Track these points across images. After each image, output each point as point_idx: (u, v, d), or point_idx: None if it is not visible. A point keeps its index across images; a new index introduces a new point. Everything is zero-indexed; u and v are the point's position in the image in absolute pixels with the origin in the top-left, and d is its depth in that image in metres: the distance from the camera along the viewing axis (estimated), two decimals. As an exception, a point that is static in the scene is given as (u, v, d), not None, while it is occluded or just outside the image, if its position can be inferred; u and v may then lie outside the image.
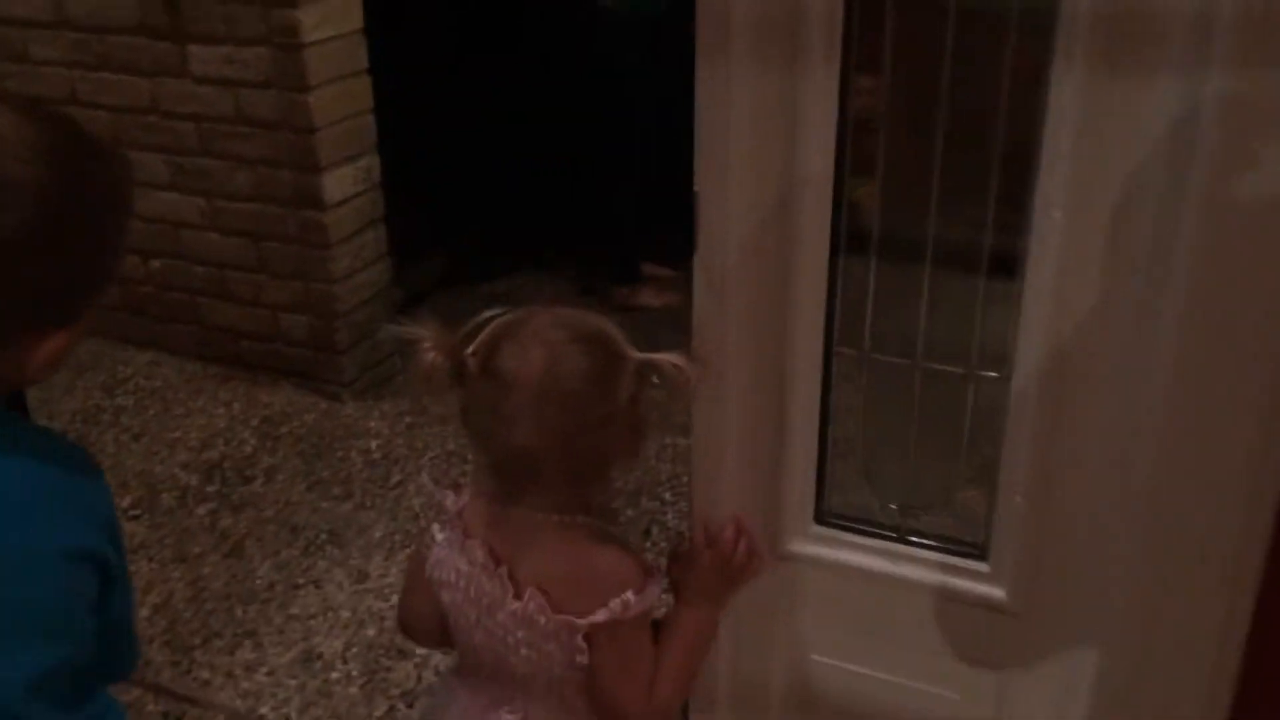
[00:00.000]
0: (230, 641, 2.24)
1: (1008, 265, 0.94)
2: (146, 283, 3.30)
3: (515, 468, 1.07)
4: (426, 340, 1.03)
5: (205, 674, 2.17)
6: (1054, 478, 0.99)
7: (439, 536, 1.15)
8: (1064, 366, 0.95)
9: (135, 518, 2.63)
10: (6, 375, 0.86)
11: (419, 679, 2.14)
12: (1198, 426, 0.90)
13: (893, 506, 1.12)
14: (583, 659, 1.07)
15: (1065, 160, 0.88)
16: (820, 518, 1.14)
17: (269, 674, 2.15)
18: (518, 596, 1.08)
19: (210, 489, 2.72)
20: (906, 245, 1.03)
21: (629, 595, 1.05)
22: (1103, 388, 0.93)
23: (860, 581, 1.12)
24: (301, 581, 2.41)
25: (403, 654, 2.19)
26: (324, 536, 2.55)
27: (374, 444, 2.93)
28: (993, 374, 1.01)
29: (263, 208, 3.04)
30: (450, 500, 1.15)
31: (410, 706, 2.07)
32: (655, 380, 1.04)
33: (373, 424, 3.01)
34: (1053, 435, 0.98)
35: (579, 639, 1.07)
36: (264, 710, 2.09)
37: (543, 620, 1.07)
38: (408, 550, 2.47)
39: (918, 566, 1.10)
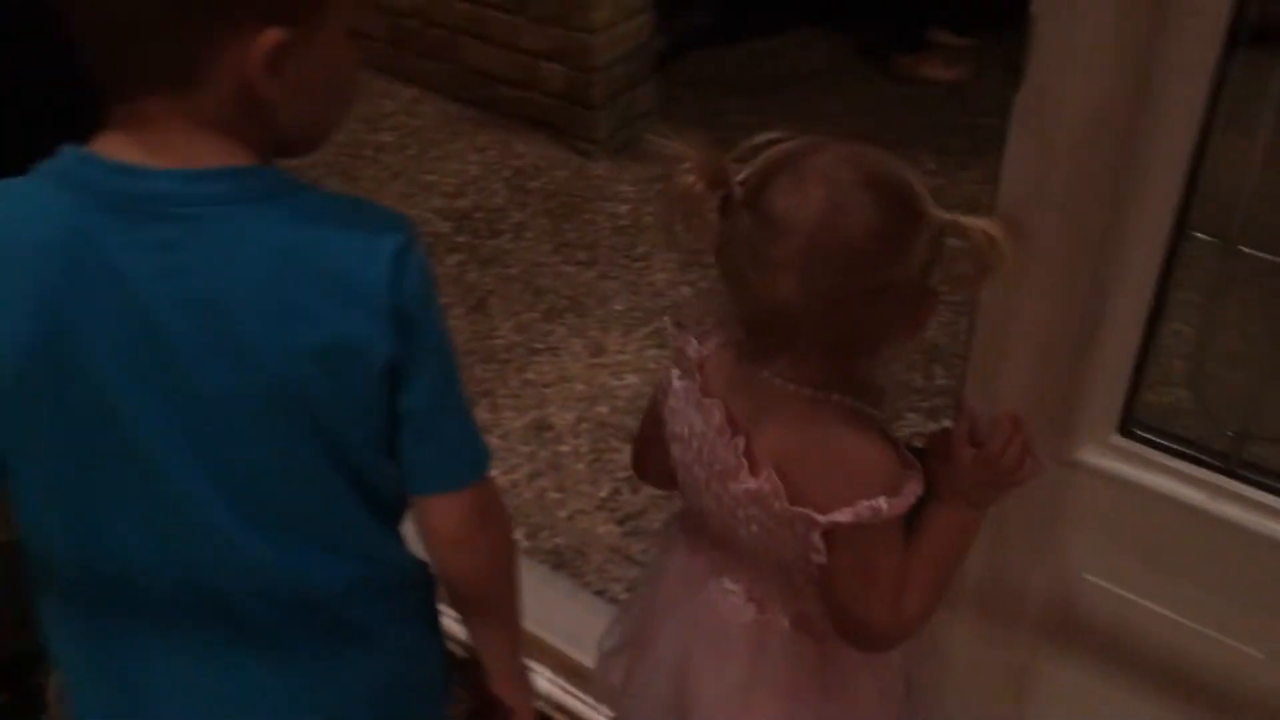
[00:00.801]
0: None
1: None
2: (411, 15, 3.22)
3: (770, 326, 0.90)
4: (688, 159, 0.85)
5: (491, 385, 2.21)
6: None
7: (676, 384, 1.01)
8: None
9: (388, 259, 2.65)
10: (235, 91, 0.75)
11: (646, 464, 2.11)
12: None
13: (1229, 433, 0.90)
14: (820, 558, 0.93)
15: None
16: (1126, 428, 0.94)
17: (502, 437, 2.16)
18: (753, 473, 0.94)
19: (460, 239, 2.70)
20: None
21: (880, 501, 0.90)
22: None
23: (1165, 510, 0.93)
24: (540, 347, 2.39)
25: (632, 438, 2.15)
26: (565, 303, 2.50)
27: (623, 208, 2.82)
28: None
29: (532, -54, 2.86)
30: (692, 348, 1.00)
31: (635, 493, 2.04)
32: (959, 246, 0.86)
33: (623, 187, 2.90)
34: None
35: (816, 536, 0.92)
36: (493, 473, 2.11)
37: (777, 506, 0.94)
38: (646, 329, 2.40)
39: (1245, 507, 0.90)
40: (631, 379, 2.29)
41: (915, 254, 0.86)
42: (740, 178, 0.87)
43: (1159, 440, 0.94)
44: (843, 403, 0.92)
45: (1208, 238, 0.85)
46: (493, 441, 2.14)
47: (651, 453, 1.09)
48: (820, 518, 0.91)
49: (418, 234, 0.82)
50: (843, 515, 0.90)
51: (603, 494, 2.05)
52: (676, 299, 2.47)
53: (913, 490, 0.93)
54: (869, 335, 0.91)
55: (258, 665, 0.89)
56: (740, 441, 0.95)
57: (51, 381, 0.79)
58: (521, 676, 1.04)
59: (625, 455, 2.10)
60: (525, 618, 0.99)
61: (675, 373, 1.02)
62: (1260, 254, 0.83)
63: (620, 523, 1.99)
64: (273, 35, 0.73)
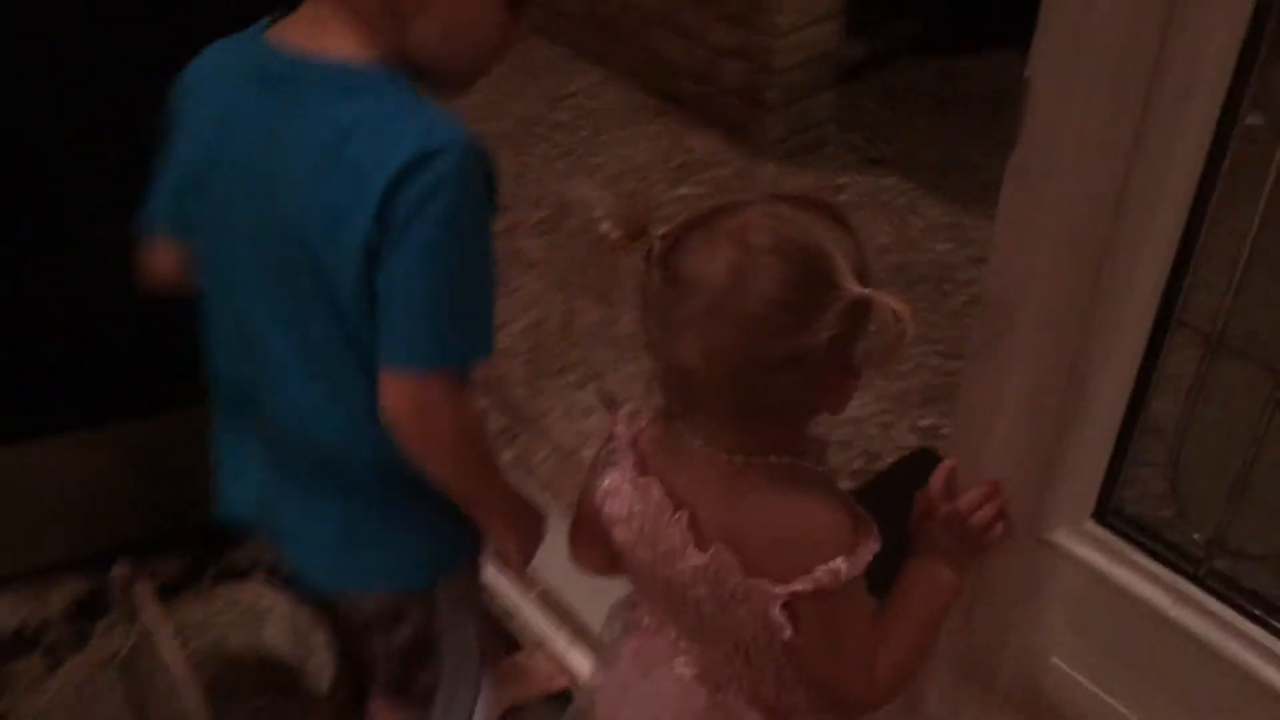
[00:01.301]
0: (579, 379, 2.33)
1: None
2: (608, 0, 3.30)
3: (679, 387, 0.87)
4: (601, 208, 0.84)
5: (548, 403, 2.28)
6: None
7: (611, 466, 0.97)
8: None
9: (542, 233, 2.75)
10: (384, 22, 0.90)
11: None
12: None
13: (1196, 537, 0.86)
14: (785, 634, 0.88)
15: None
16: (1101, 516, 0.91)
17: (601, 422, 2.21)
18: (699, 548, 0.90)
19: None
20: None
21: (839, 563, 0.85)
22: None
23: (1129, 606, 0.89)
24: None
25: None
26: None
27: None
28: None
29: (728, -61, 2.89)
30: (624, 425, 0.96)
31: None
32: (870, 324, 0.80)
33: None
34: None
35: (776, 609, 0.88)
36: (587, 453, 2.17)
37: (731, 582, 0.89)
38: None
39: (1211, 622, 0.85)
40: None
41: (822, 326, 0.79)
42: (660, 232, 0.83)
43: (1131, 534, 0.90)
44: (779, 464, 0.88)
45: (1194, 329, 0.82)
46: (591, 423, 2.21)
47: (584, 535, 1.03)
48: (778, 589, 0.87)
49: (464, 159, 0.89)
50: (802, 584, 0.86)
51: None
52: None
53: (869, 547, 0.87)
54: (783, 404, 0.86)
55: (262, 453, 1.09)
56: (683, 517, 0.91)
57: (210, 176, 1.00)
58: (503, 530, 1.09)
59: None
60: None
61: (605, 454, 0.98)
62: (1244, 358, 0.79)
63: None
64: None
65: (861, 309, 0.79)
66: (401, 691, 1.24)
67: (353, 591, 1.17)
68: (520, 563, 1.13)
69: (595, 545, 1.02)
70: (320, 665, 1.56)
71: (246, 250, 0.99)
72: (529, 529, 1.12)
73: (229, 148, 0.97)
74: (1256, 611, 0.84)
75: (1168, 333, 0.81)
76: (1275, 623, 0.82)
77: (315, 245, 0.93)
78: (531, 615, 1.79)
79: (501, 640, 1.78)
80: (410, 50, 0.91)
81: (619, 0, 3.27)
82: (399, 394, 0.94)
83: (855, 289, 0.78)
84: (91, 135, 1.54)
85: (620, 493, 0.95)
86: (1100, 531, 0.91)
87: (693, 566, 0.90)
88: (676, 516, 0.91)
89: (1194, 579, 0.87)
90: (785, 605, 0.88)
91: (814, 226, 0.81)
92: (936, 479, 0.99)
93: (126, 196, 1.34)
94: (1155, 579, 0.88)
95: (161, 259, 1.09)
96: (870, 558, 0.88)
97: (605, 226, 0.83)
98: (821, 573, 0.85)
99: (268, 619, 1.62)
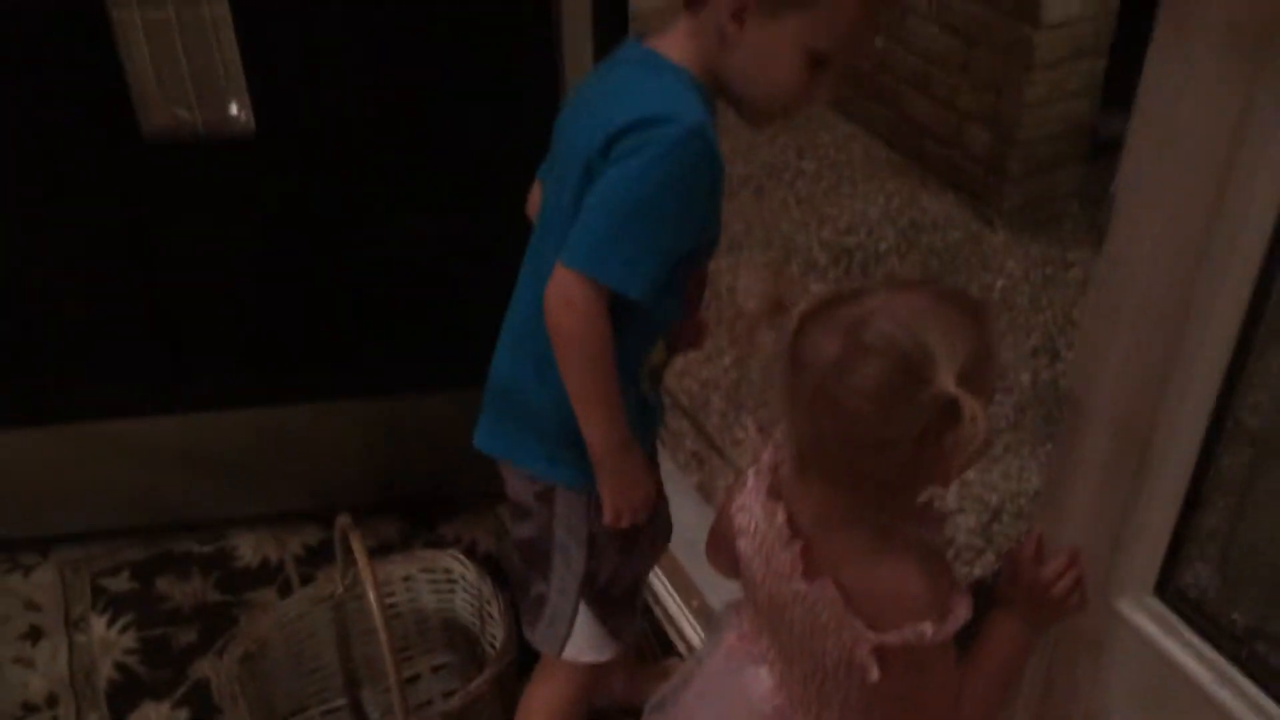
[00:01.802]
0: (772, 419, 2.46)
1: None
2: (869, 58, 3.42)
3: (797, 451, 0.99)
4: (753, 288, 0.99)
5: (741, 434, 2.43)
6: None
7: (750, 483, 1.10)
8: None
9: (765, 275, 2.91)
10: (713, 33, 1.14)
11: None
12: None
13: (1235, 617, 0.92)
14: (873, 676, 0.98)
15: None
16: (1162, 592, 0.98)
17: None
18: (806, 578, 1.01)
19: (832, 274, 2.89)
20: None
21: (925, 626, 0.95)
22: None
23: (1177, 679, 0.96)
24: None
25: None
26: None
27: (999, 281, 2.87)
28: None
29: (984, 11, 2.96)
30: (769, 452, 1.08)
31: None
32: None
33: (1010, 262, 2.94)
34: None
35: (864, 652, 0.98)
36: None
37: (826, 614, 1.00)
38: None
39: (1236, 696, 0.92)
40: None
41: (913, 419, 0.87)
42: (798, 311, 0.93)
43: (1185, 612, 0.97)
44: (889, 525, 0.98)
45: (1246, 429, 0.88)
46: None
47: (718, 537, 1.18)
48: (871, 635, 0.97)
49: (683, 133, 1.10)
50: (891, 637, 0.96)
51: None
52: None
53: (959, 616, 0.97)
54: (884, 480, 0.95)
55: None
56: (798, 546, 1.02)
57: (560, 134, 1.29)
58: (603, 471, 1.27)
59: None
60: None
61: (751, 471, 1.10)
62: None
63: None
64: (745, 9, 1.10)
65: (955, 407, 0.85)
66: (523, 593, 1.44)
67: (502, 460, 1.40)
68: (609, 510, 1.29)
69: (724, 549, 1.18)
70: (494, 632, 1.77)
71: (545, 200, 1.29)
72: (627, 481, 1.28)
73: (574, 109, 1.25)
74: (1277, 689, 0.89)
75: (1221, 435, 0.88)
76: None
77: (566, 189, 1.18)
78: (686, 626, 1.93)
79: (654, 640, 1.95)
80: (723, 74, 1.15)
81: (876, 61, 3.39)
82: (555, 282, 1.17)
83: (948, 390, 0.85)
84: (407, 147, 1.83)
85: (750, 509, 1.09)
86: (1158, 606, 0.98)
87: (795, 591, 1.03)
88: (793, 543, 1.03)
89: (1233, 660, 0.92)
90: (875, 651, 0.98)
91: (928, 322, 0.89)
92: (1027, 544, 1.08)
93: (430, 199, 1.64)
94: (1199, 656, 0.94)
95: (533, 199, 1.39)
96: (959, 625, 0.98)
97: (750, 303, 0.97)
98: (909, 631, 0.96)
99: (458, 587, 1.85)
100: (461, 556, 1.83)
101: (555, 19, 1.77)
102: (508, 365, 1.38)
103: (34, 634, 1.98)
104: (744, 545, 1.11)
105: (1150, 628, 0.99)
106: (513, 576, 1.45)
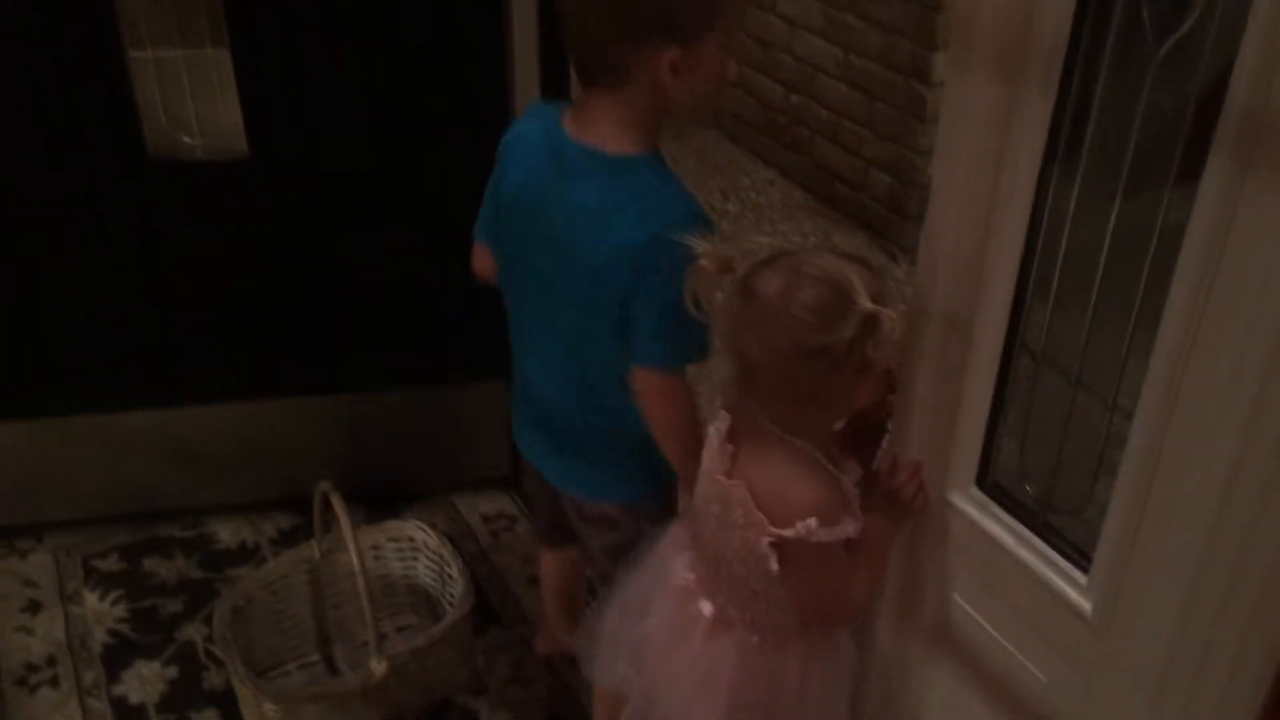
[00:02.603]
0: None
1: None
2: (785, 112, 3.79)
3: (742, 374, 1.23)
4: (705, 253, 1.22)
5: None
6: (1150, 514, 1.05)
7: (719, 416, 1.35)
8: (1177, 411, 1.00)
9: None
10: (650, 98, 1.29)
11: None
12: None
13: (1028, 489, 1.23)
14: (772, 566, 1.23)
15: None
16: (981, 482, 1.28)
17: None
18: (728, 475, 1.26)
19: (753, 300, 3.21)
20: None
21: (812, 521, 1.20)
22: (1205, 437, 0.98)
23: (994, 550, 1.25)
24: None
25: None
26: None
27: (901, 307, 3.20)
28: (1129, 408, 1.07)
29: (883, 71, 3.33)
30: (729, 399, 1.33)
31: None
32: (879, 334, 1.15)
33: (909, 289, 3.27)
34: (1154, 478, 1.04)
35: (764, 543, 1.23)
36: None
37: (737, 511, 1.24)
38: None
39: (1037, 557, 1.21)
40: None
41: (843, 328, 1.14)
42: (741, 270, 1.20)
43: (999, 495, 1.27)
44: (804, 447, 1.25)
45: (1028, 348, 1.20)
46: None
47: None
48: (771, 529, 1.22)
49: (693, 228, 1.25)
50: (786, 532, 1.21)
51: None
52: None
53: (846, 529, 1.24)
54: (812, 391, 1.21)
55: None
56: (729, 449, 1.29)
57: (513, 212, 1.45)
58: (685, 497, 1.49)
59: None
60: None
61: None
62: (1055, 367, 1.17)
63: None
64: (674, 52, 1.24)
65: (872, 320, 1.15)
66: (605, 581, 1.66)
67: (580, 497, 1.63)
68: None
69: None
70: (454, 591, 2.02)
71: (530, 272, 1.47)
72: None
73: (529, 198, 1.41)
74: (1070, 553, 1.19)
75: (1010, 355, 1.20)
76: (1082, 561, 1.17)
77: (581, 280, 1.37)
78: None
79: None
80: (672, 110, 1.32)
81: (793, 113, 3.75)
82: (646, 383, 1.40)
83: (868, 306, 1.15)
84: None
85: (710, 443, 1.36)
86: (979, 495, 1.28)
87: (718, 487, 1.29)
88: (725, 446, 1.30)
89: (1032, 529, 1.23)
90: (773, 545, 1.25)
91: (846, 267, 1.18)
92: (884, 460, 1.38)
93: (397, 216, 1.91)
94: (1009, 529, 1.24)
95: (481, 260, 1.60)
96: (845, 536, 1.26)
97: (705, 263, 1.23)
98: (801, 528, 1.22)
99: (420, 553, 2.11)
100: (424, 525, 2.08)
101: (508, 70, 2.07)
102: (573, 442, 1.58)
103: (33, 607, 2.19)
104: (704, 449, 1.38)
105: (974, 512, 1.29)
106: (599, 578, 1.69)
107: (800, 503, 1.24)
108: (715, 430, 1.35)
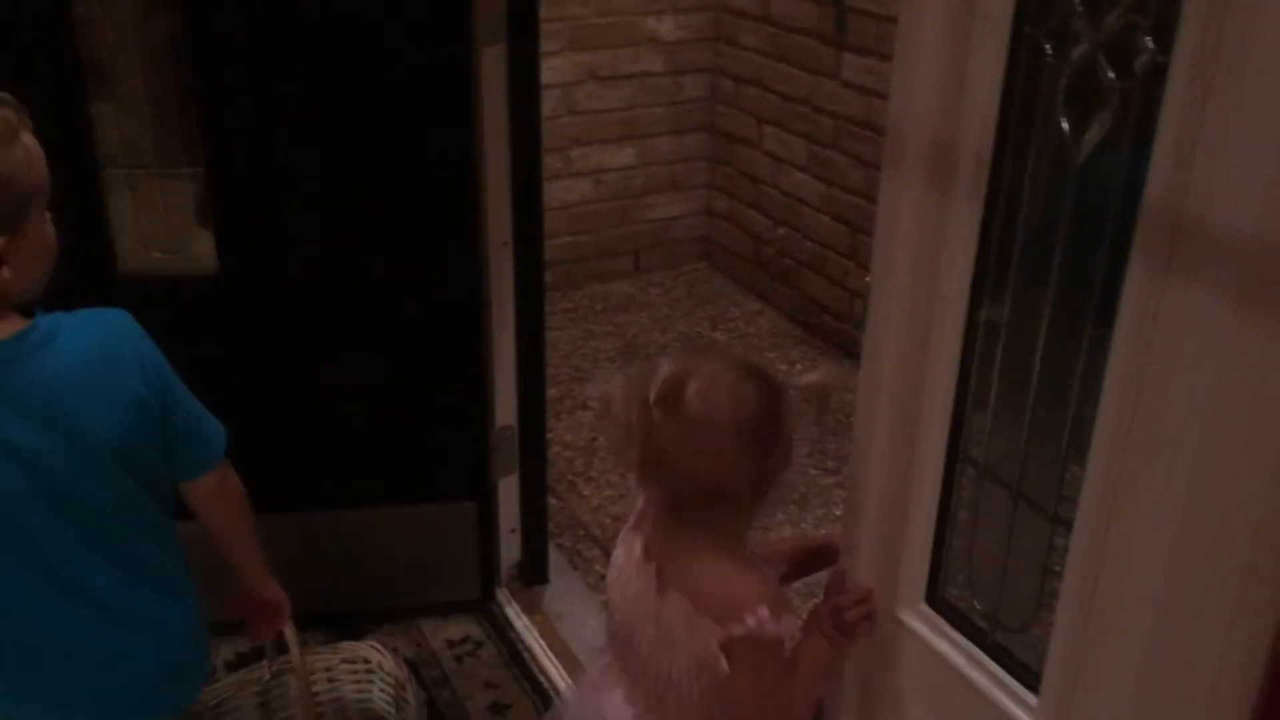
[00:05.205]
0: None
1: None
2: (772, 245, 3.84)
3: (667, 491, 1.23)
4: (617, 396, 1.22)
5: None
6: (1094, 631, 1.01)
7: (625, 531, 1.34)
8: (1114, 521, 0.97)
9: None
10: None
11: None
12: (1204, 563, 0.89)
13: (977, 605, 1.19)
14: (723, 665, 1.20)
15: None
16: (931, 599, 1.24)
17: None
18: (660, 593, 1.23)
19: (736, 427, 3.19)
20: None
21: (764, 611, 1.18)
22: (1141, 546, 0.94)
23: (945, 670, 1.20)
24: (754, 525, 2.78)
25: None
26: (795, 496, 2.89)
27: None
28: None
29: (866, 204, 3.38)
30: (640, 504, 1.32)
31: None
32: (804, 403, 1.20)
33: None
34: (1095, 592, 1.00)
35: (714, 645, 1.20)
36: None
37: (677, 626, 1.22)
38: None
39: (988, 678, 1.16)
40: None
41: (776, 412, 1.20)
42: (654, 394, 1.18)
43: (949, 613, 1.23)
44: (737, 549, 1.25)
45: (972, 461, 1.17)
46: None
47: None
48: (719, 629, 1.20)
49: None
50: (736, 628, 1.19)
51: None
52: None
53: (790, 622, 1.22)
54: (751, 481, 1.23)
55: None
56: (651, 566, 1.26)
57: None
58: (269, 577, 1.56)
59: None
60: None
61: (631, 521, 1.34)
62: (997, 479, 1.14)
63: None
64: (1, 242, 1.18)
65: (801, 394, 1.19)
66: None
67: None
68: (254, 627, 1.65)
69: None
70: (408, 716, 1.95)
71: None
72: (269, 601, 1.63)
73: None
74: (1021, 673, 1.15)
75: (956, 464, 1.17)
76: (1033, 681, 1.12)
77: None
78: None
79: None
80: (17, 299, 1.27)
81: (779, 247, 3.80)
82: (204, 486, 1.43)
83: (795, 383, 1.17)
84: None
85: (622, 542, 1.34)
86: (929, 612, 1.23)
87: (648, 610, 1.26)
88: (647, 565, 1.27)
89: (981, 646, 1.18)
90: (723, 645, 1.21)
91: (754, 366, 1.25)
92: (834, 578, 1.34)
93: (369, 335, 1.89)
94: (958, 647, 1.20)
95: None
96: (791, 628, 1.24)
97: (619, 408, 1.21)
98: (750, 620, 1.19)
99: (375, 675, 2.04)
100: (379, 646, 2.02)
101: (479, 196, 2.10)
102: None
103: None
104: (609, 579, 1.35)
105: (925, 630, 1.24)
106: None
107: (748, 594, 1.21)
108: (626, 553, 1.31)
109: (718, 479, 1.21)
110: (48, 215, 1.28)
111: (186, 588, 1.51)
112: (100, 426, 1.29)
